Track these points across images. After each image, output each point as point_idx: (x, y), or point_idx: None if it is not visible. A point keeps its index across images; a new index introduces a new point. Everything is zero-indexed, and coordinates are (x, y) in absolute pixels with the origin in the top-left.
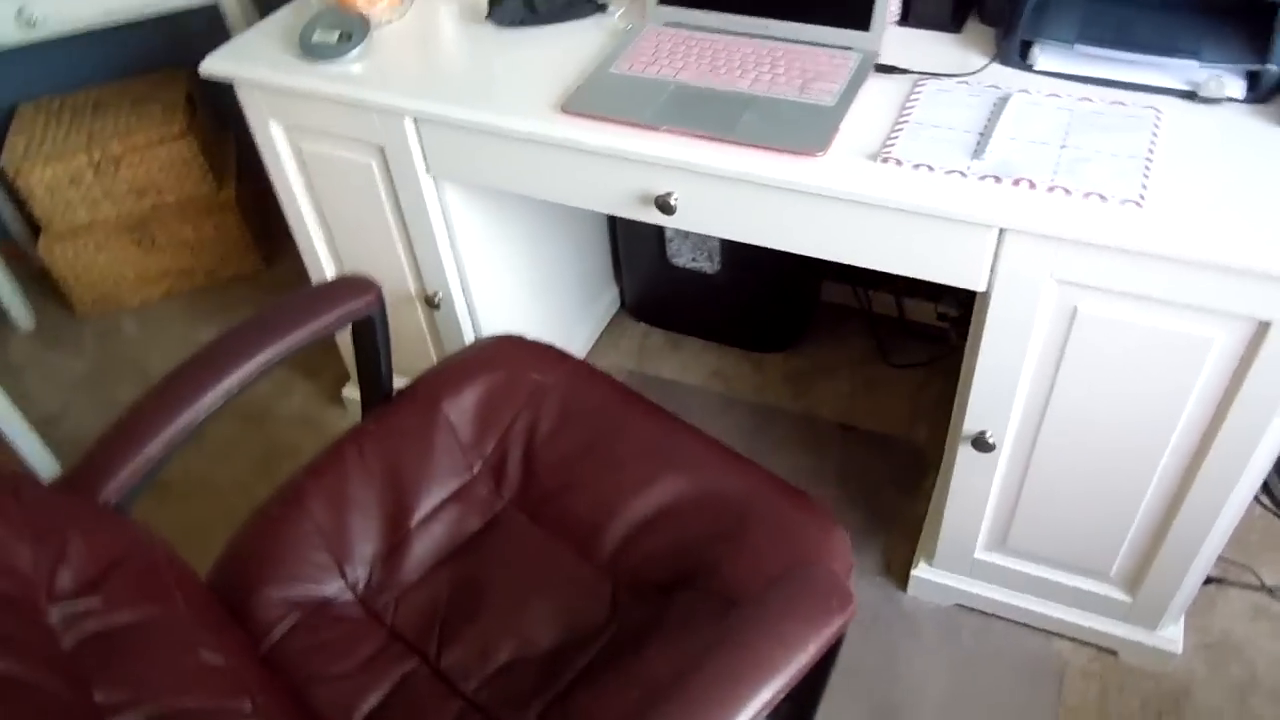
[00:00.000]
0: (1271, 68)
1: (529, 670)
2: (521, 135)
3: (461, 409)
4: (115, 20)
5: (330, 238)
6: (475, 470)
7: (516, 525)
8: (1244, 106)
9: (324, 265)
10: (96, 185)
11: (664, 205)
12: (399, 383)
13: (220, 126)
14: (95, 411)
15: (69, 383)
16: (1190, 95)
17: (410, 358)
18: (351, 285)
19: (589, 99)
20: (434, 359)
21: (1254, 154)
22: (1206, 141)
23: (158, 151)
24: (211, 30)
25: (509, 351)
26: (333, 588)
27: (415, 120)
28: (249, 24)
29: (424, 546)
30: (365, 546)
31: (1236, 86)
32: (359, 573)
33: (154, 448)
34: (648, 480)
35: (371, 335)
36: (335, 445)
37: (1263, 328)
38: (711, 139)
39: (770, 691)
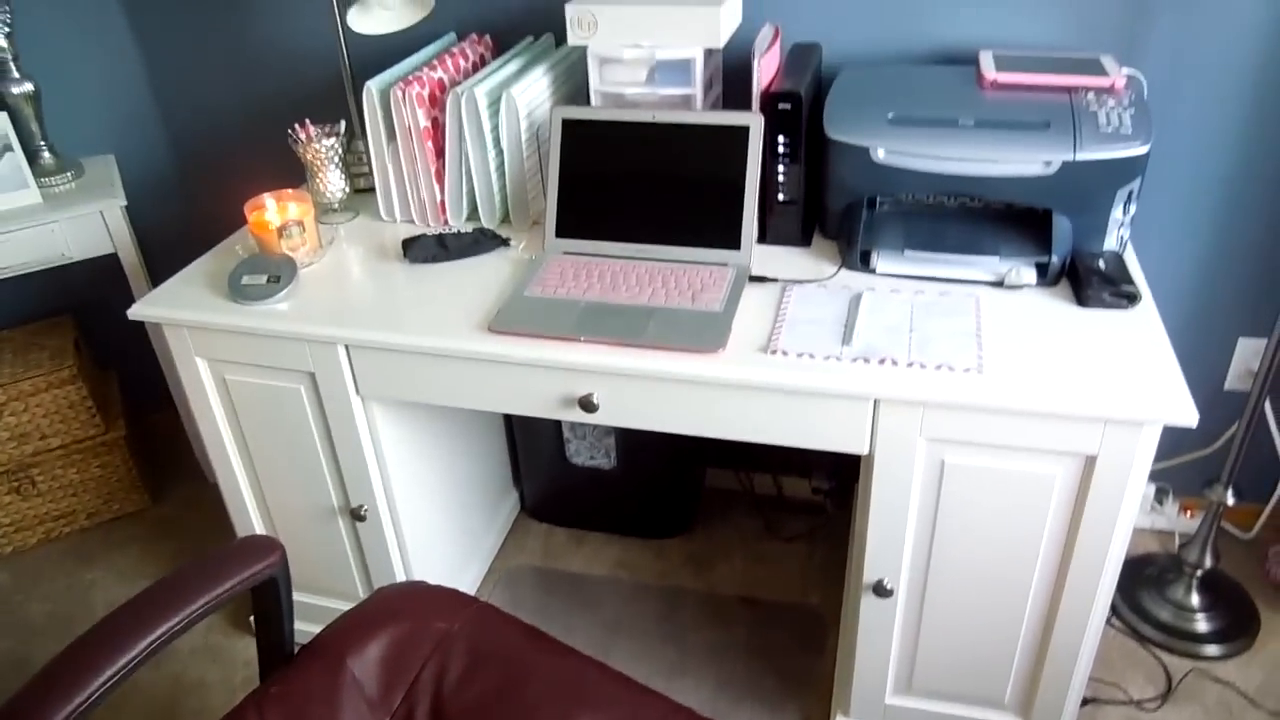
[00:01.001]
0: (1053, 259)
1: None
2: (455, 354)
3: (366, 663)
4: (8, 274)
5: (249, 460)
6: None
7: None
8: (1038, 289)
9: (242, 489)
10: None
11: (587, 405)
12: (323, 602)
13: (102, 367)
14: None
15: None
16: (998, 284)
17: (334, 574)
18: (254, 547)
19: (512, 318)
20: (355, 573)
21: (1053, 325)
22: (1018, 318)
23: (43, 397)
24: (95, 279)
25: (412, 599)
26: None
27: (347, 348)
28: (144, 271)
29: None
30: None
31: (1030, 275)
32: None
33: None
34: None
35: (274, 596)
36: (234, 712)
37: (1090, 461)
38: (625, 345)
39: None
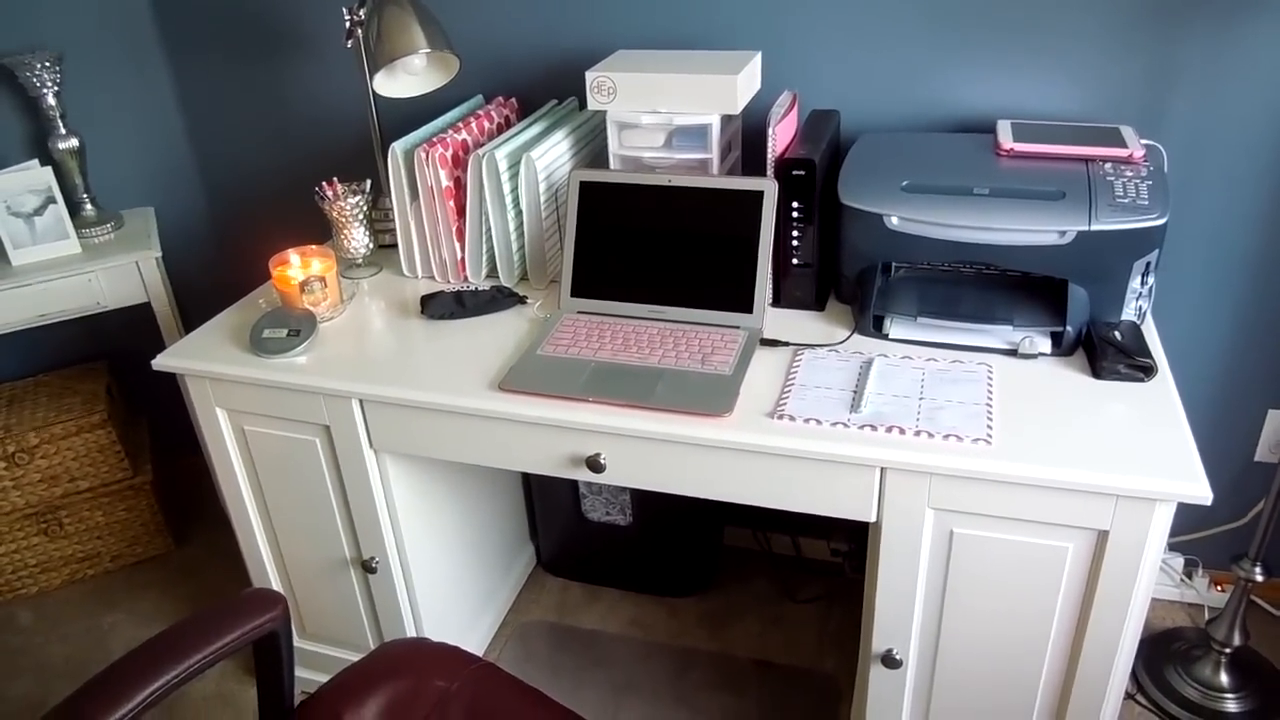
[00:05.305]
0: (1068, 329)
1: None
2: (465, 411)
3: None
4: (46, 321)
5: (265, 510)
6: None
7: None
8: (1053, 359)
9: (257, 537)
10: (7, 476)
11: (594, 464)
12: (333, 653)
13: (133, 412)
14: None
15: None
16: (1012, 352)
17: (345, 625)
18: (257, 601)
19: (523, 377)
20: (365, 625)
21: (1067, 396)
22: (1030, 388)
23: (74, 441)
24: (130, 326)
25: (413, 656)
26: None
27: (361, 402)
28: (176, 320)
29: None
30: None
31: (1044, 344)
32: None
33: None
34: None
35: (275, 650)
36: None
37: (1102, 536)
38: (633, 407)
39: None
